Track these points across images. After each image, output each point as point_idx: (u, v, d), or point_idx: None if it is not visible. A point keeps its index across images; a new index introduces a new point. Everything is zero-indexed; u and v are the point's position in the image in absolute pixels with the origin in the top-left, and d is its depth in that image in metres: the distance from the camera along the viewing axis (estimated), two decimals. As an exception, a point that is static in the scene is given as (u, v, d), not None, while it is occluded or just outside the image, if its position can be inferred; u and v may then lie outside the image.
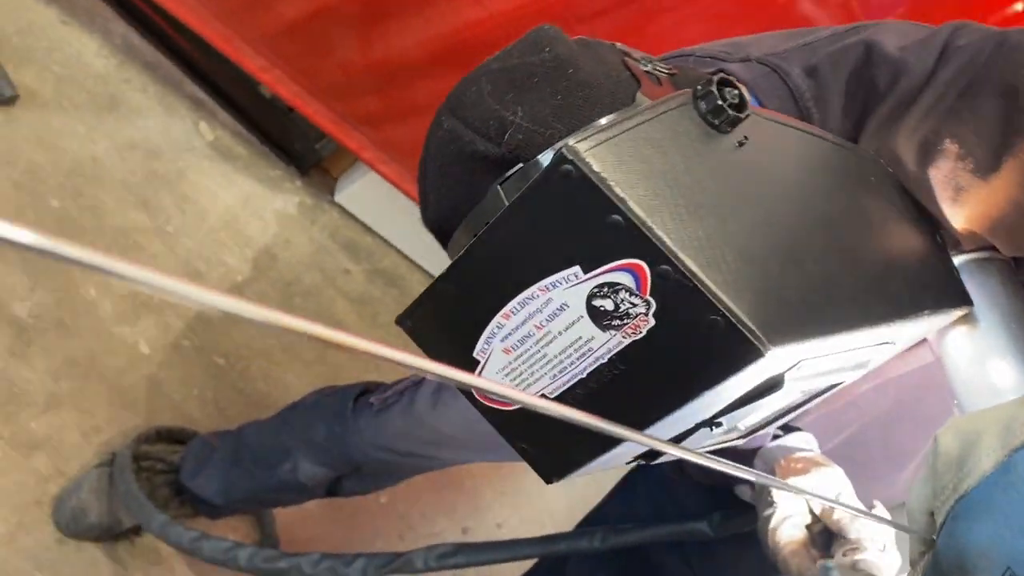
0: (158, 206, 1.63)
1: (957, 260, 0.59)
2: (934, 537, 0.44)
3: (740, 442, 0.60)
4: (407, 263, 1.97)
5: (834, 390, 0.56)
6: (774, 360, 0.41)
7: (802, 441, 0.76)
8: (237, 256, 1.69)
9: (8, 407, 1.30)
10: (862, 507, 0.67)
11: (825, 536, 0.69)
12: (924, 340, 0.64)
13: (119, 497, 1.20)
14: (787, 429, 0.77)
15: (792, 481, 0.70)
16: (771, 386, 0.44)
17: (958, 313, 0.57)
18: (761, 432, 0.61)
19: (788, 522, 0.68)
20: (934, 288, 0.56)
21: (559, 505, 1.81)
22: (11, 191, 1.47)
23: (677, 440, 0.50)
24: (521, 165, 0.47)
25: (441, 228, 0.52)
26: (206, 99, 1.74)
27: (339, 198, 1.87)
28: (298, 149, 1.82)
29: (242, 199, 1.75)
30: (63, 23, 1.67)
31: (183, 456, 1.25)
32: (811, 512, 0.69)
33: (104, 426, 1.36)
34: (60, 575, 1.23)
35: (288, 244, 1.76)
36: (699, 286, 0.40)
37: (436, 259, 1.95)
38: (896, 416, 0.82)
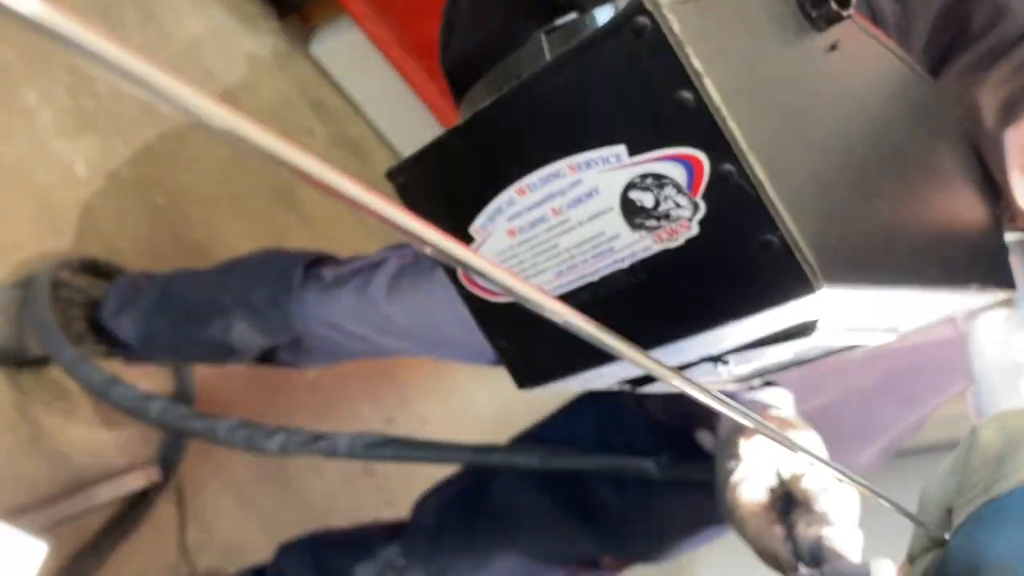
0: (119, 18, 1.49)
1: (1008, 238, 0.55)
2: (946, 536, 0.40)
3: (731, 387, 0.56)
4: (375, 135, 1.85)
5: (847, 352, 0.51)
6: (822, 300, 0.35)
7: (777, 398, 0.72)
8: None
9: (-82, 203, 1.20)
10: (831, 477, 0.64)
11: (785, 502, 0.66)
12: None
13: (30, 322, 1.11)
14: (764, 382, 0.73)
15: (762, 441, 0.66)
16: (802, 330, 0.39)
17: (1000, 295, 0.53)
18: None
19: (751, 480, 0.65)
20: (985, 263, 0.51)
21: (487, 412, 1.78)
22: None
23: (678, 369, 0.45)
24: (575, 15, 0.40)
25: (460, 73, 0.45)
26: (191, -88, 1.59)
27: (315, 50, 1.74)
28: (282, -13, 1.69)
29: (211, 31, 1.61)
30: None
31: (107, 292, 1.17)
32: (776, 474, 0.66)
33: (25, 244, 1.26)
34: (-48, 392, 1.16)
35: (252, 89, 1.64)
36: (762, 196, 0.34)
37: (408, 137, 1.85)
38: (880, 391, 0.79)
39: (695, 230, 0.37)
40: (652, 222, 0.38)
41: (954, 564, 0.37)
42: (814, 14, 0.39)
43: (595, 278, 0.41)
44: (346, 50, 1.73)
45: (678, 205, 0.37)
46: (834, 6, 0.39)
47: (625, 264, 0.39)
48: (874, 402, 0.80)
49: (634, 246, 0.39)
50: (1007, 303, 0.54)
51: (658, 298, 0.39)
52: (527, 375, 0.46)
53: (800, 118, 0.39)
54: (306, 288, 1.00)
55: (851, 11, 0.40)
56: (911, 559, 0.42)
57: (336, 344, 1.01)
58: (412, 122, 1.76)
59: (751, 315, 0.37)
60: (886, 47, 0.46)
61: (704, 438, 0.76)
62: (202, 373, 1.37)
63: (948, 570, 0.38)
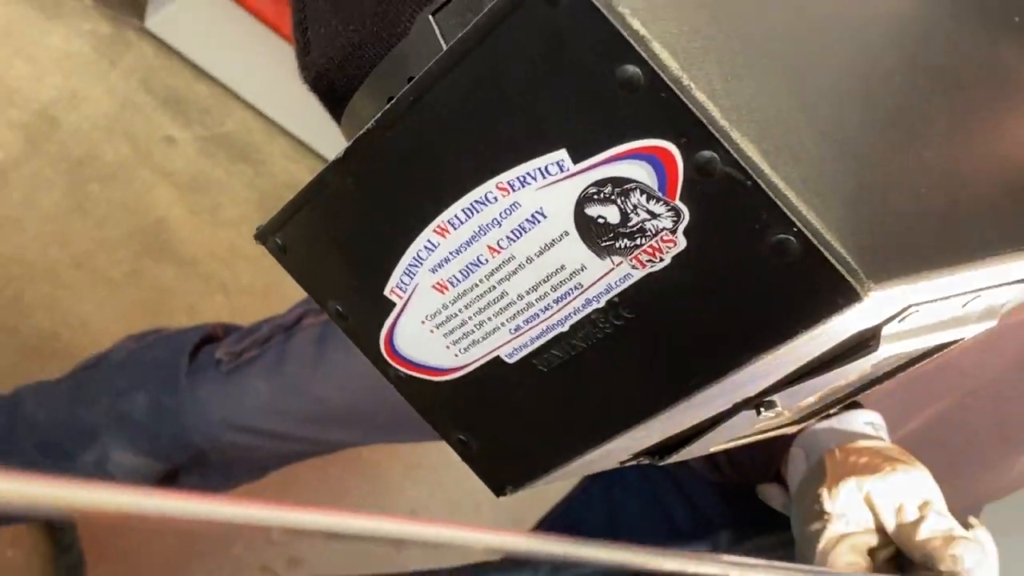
0: None
1: None
2: None
3: (791, 429, 0.58)
4: (264, 123, 1.84)
5: (944, 351, 0.53)
6: (873, 306, 0.37)
7: (864, 423, 0.74)
8: (-5, 122, 1.58)
9: None
10: (955, 522, 0.65)
11: (896, 564, 0.67)
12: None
13: None
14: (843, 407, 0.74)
15: (855, 482, 0.67)
16: (859, 347, 0.41)
17: None
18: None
19: (846, 542, 0.66)
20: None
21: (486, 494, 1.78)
22: None
23: (708, 427, 0.47)
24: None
25: (331, 85, 0.47)
26: None
27: (152, 24, 1.73)
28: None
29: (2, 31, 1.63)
30: None
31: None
32: (878, 529, 0.67)
33: None
34: None
35: (76, 100, 1.63)
36: (762, 183, 0.36)
37: (312, 121, 1.83)
38: (1014, 379, 0.80)
39: (682, 243, 0.38)
40: (624, 242, 0.39)
41: None
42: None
43: (565, 328, 0.43)
44: (194, 12, 1.73)
45: (653, 214, 0.38)
46: None
47: (601, 302, 0.41)
48: (1011, 396, 0.81)
49: (608, 277, 0.40)
50: None
51: (654, 341, 0.41)
52: (504, 476, 0.48)
53: (799, 62, 0.41)
54: (198, 382, 1.01)
55: None
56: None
57: (256, 450, 1.02)
58: (309, 95, 1.76)
59: (779, 344, 0.38)
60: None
61: (770, 494, 0.78)
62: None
63: None
